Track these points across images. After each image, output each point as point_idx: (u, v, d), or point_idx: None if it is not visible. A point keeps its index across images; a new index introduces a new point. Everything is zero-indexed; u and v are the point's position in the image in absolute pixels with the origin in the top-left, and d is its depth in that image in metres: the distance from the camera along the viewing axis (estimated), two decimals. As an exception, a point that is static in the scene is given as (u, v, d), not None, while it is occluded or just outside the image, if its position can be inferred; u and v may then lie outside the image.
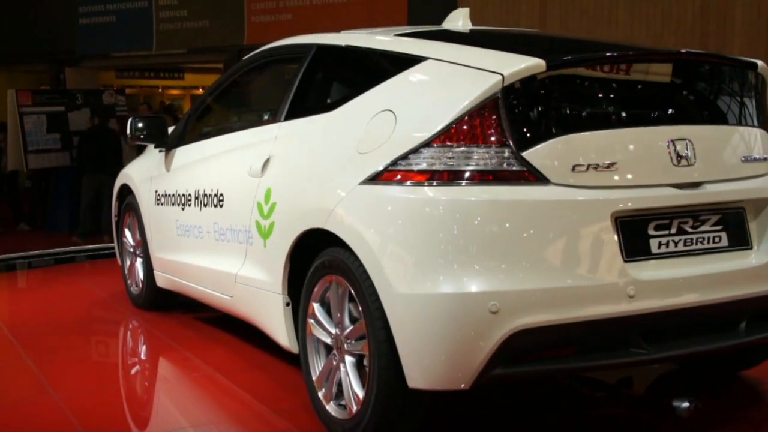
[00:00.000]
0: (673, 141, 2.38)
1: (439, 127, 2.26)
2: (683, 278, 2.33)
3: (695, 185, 2.41)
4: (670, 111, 2.55)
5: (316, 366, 2.70)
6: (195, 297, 3.83)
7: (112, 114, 9.97)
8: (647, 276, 2.28)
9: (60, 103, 10.31)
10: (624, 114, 2.46)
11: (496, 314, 2.11)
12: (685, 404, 2.59)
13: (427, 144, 2.27)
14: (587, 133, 2.30)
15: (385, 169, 2.35)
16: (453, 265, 2.16)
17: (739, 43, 6.79)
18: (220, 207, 3.39)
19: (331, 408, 2.61)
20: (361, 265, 2.36)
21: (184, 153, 3.94)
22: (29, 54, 12.71)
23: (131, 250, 4.57)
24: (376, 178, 2.37)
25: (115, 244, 4.87)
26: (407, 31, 3.01)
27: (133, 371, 3.69)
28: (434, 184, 2.23)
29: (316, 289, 2.67)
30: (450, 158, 2.24)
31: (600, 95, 2.48)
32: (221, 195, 3.40)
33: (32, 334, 4.16)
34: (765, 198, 2.54)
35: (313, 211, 2.63)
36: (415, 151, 2.28)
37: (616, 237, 2.26)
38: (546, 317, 2.15)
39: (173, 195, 3.88)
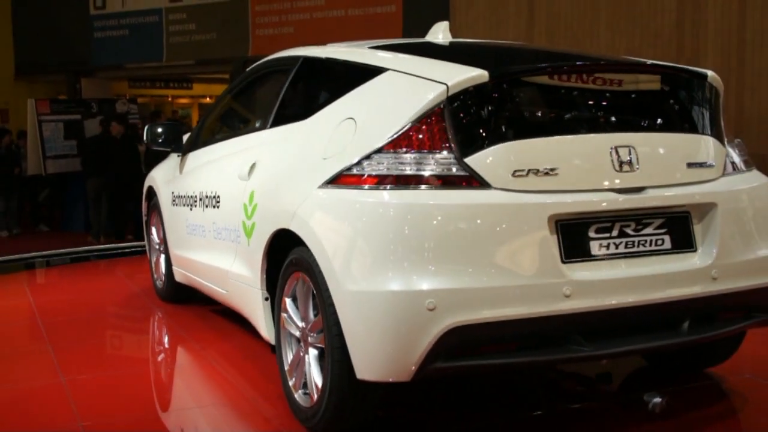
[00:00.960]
0: (616, 148, 2.42)
1: (390, 134, 2.37)
2: (623, 279, 2.37)
3: (638, 190, 2.44)
4: (614, 119, 2.58)
5: (288, 357, 2.84)
6: (203, 291, 4.04)
7: (116, 121, 10.26)
8: (584, 276, 2.32)
9: (76, 112, 10.64)
10: (567, 122, 2.51)
11: (433, 311, 2.17)
12: (657, 399, 2.68)
13: (378, 150, 2.37)
14: (528, 140, 2.36)
15: (340, 173, 2.45)
16: (394, 264, 2.23)
17: (712, 54, 6.88)
18: (218, 208, 3.56)
19: (298, 396, 2.74)
20: (318, 263, 2.47)
21: (194, 157, 4.14)
22: (48, 65, 13.06)
23: (156, 247, 4.82)
24: (332, 182, 2.48)
25: (145, 242, 5.14)
26: (380, 44, 3.14)
27: (146, 359, 3.96)
28: (385, 188, 2.32)
29: (287, 285, 2.80)
30: (399, 163, 2.32)
31: (544, 104, 2.52)
32: (218, 197, 3.57)
33: (62, 323, 4.45)
34: (710, 203, 2.56)
35: (282, 212, 2.75)
36: (368, 156, 2.39)
37: (555, 239, 2.31)
38: (481, 315, 2.20)
39: (184, 196, 4.08)
